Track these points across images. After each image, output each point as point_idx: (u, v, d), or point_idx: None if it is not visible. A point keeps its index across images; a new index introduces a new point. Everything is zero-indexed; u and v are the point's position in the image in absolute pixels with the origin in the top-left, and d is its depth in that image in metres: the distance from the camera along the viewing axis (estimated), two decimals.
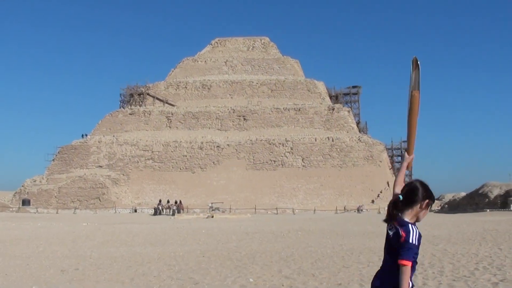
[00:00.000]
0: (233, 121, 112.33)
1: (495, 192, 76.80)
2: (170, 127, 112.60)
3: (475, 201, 79.50)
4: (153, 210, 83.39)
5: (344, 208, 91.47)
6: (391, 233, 6.61)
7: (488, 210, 69.78)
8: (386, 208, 6.85)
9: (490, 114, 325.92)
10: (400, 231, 6.40)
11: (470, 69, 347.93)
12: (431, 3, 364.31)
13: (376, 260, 19.62)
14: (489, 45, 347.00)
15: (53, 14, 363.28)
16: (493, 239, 27.17)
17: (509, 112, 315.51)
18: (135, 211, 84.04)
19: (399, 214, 6.53)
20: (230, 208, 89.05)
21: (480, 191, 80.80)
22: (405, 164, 6.88)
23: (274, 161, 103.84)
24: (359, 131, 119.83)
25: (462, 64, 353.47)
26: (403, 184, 6.69)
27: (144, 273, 17.42)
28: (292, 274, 16.51)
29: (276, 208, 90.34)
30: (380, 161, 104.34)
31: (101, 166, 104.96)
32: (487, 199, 76.80)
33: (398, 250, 6.40)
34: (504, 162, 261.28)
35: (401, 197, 6.52)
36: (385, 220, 6.76)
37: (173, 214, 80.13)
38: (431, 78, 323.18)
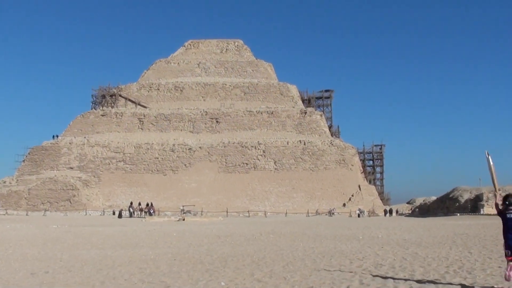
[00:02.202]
0: (205, 123, 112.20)
1: (465, 196, 77.41)
2: (142, 129, 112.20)
3: (445, 205, 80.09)
4: (113, 213, 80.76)
5: (316, 211, 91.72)
6: None
7: (458, 214, 70.32)
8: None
9: (461, 119, 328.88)
10: None
11: (443, 73, 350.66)
12: (403, 8, 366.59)
13: (347, 263, 19.66)
14: (462, 52, 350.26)
15: (25, 15, 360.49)
16: (464, 243, 27.37)
17: (479, 117, 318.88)
18: (116, 213, 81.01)
19: None
20: (202, 211, 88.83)
21: (450, 195, 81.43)
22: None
23: (246, 164, 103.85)
24: (331, 135, 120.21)
25: (437, 69, 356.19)
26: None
27: (115, 276, 17.31)
28: (264, 277, 16.50)
29: (248, 211, 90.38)
30: (352, 165, 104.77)
31: (72, 168, 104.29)
32: (457, 203, 77.39)
33: None
34: (475, 167, 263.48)
35: None
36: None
37: (150, 214, 79.77)
38: (404, 82, 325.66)
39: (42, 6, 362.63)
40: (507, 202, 14.31)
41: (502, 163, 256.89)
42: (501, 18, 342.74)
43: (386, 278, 15.82)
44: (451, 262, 19.49)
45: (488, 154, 15.28)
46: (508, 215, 14.06)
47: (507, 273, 13.70)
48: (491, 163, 15.24)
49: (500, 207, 14.48)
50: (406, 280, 15.44)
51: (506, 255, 13.89)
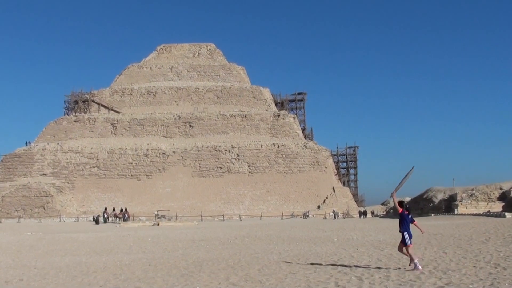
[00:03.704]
0: (178, 127, 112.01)
1: (439, 197, 77.82)
2: (115, 134, 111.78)
3: (419, 206, 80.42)
4: (93, 219, 79.12)
5: (292, 214, 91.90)
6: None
7: (432, 214, 70.64)
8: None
9: (434, 120, 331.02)
10: None
11: (414, 75, 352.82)
12: (375, 10, 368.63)
13: (322, 265, 19.71)
14: (444, 49, 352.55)
15: None
16: (438, 243, 27.53)
17: (453, 117, 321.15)
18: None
19: None
20: (176, 216, 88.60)
21: (424, 196, 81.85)
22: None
23: (220, 168, 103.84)
24: (305, 137, 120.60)
25: (408, 70, 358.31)
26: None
27: (90, 283, 17.22)
28: (240, 281, 16.49)
29: (223, 215, 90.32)
30: (326, 167, 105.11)
31: (45, 174, 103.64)
32: (431, 204, 77.78)
33: None
34: (448, 167, 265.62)
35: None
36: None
37: (124, 220, 79.47)
38: (376, 83, 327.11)
39: (12, 10, 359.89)
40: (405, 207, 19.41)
41: (476, 163, 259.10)
42: (486, 13, 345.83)
43: (361, 279, 15.87)
44: (426, 262, 19.60)
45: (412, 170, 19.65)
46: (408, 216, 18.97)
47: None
48: (408, 176, 19.59)
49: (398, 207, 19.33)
50: (381, 281, 15.50)
51: (407, 244, 18.31)
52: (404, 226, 18.66)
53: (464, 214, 64.39)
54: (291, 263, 20.99)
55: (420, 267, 17.58)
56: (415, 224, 19.08)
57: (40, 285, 16.91)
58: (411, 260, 17.97)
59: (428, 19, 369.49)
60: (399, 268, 18.19)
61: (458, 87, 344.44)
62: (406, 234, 18.42)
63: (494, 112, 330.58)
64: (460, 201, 73.06)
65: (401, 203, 19.29)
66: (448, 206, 74.58)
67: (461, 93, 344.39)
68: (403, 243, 18.35)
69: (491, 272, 16.64)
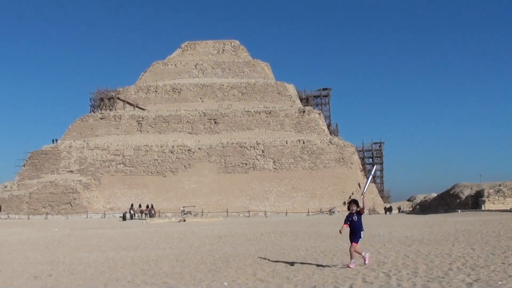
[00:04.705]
0: (204, 124, 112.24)
1: (466, 193, 77.35)
2: (140, 131, 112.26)
3: (446, 202, 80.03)
4: (122, 216, 79.18)
5: (321, 210, 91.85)
6: None
7: (459, 210, 70.27)
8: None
9: (461, 116, 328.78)
10: None
11: (441, 71, 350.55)
12: (401, 5, 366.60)
13: (349, 261, 19.66)
14: (468, 46, 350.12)
15: (23, 20, 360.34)
16: (466, 239, 27.30)
17: (479, 113, 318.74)
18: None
19: None
20: (202, 212, 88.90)
21: (451, 192, 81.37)
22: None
23: (246, 164, 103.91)
24: (330, 133, 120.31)
25: (435, 66, 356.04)
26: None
27: (118, 278, 17.29)
28: (267, 277, 16.47)
29: (248, 211, 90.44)
30: (351, 163, 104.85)
31: (72, 171, 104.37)
32: (458, 200, 77.33)
33: None
34: (475, 163, 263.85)
35: None
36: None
37: (151, 216, 79.91)
38: (402, 79, 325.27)
39: (40, 11, 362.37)
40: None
41: (502, 159, 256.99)
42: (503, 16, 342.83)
43: (389, 275, 15.80)
44: (454, 259, 19.44)
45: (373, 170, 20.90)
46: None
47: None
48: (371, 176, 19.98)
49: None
50: (409, 277, 15.43)
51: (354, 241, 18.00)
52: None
53: (491, 210, 64.01)
54: (318, 259, 20.95)
55: (352, 265, 17.70)
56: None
57: (69, 281, 17.00)
58: (352, 257, 17.99)
59: (461, 17, 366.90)
60: (427, 264, 18.07)
61: (486, 83, 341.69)
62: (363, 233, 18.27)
63: None
64: (487, 197, 72.63)
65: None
66: (475, 202, 74.15)
67: (488, 89, 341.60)
68: (357, 240, 17.99)
69: None
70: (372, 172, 19.88)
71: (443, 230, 34.59)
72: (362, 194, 19.26)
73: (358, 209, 18.02)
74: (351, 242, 17.97)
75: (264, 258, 21.49)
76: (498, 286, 13.76)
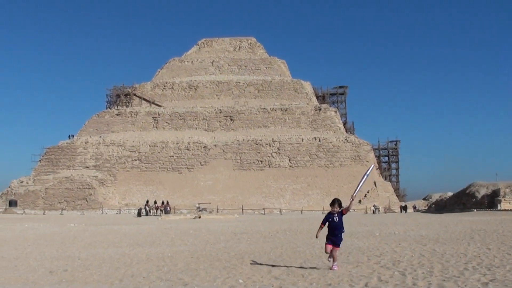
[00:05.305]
0: (220, 121, 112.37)
1: (482, 192, 77.02)
2: (156, 127, 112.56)
3: (462, 201, 79.71)
4: (137, 212, 78.96)
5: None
6: None
7: (475, 210, 69.99)
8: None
9: (477, 114, 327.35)
10: None
11: (457, 70, 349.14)
12: (416, 5, 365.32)
13: (365, 260, 19.62)
14: (485, 46, 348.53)
15: (41, 16, 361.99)
16: (481, 239, 27.19)
17: (495, 112, 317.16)
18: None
19: None
20: (217, 209, 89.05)
21: (467, 191, 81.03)
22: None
23: (261, 162, 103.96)
24: (346, 131, 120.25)
25: (452, 65, 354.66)
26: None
27: (133, 274, 17.33)
28: (282, 274, 16.46)
29: (263, 208, 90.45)
30: (367, 161, 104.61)
31: (88, 167, 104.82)
32: (474, 199, 77.02)
33: None
34: (491, 162, 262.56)
35: None
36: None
37: (166, 212, 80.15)
38: (418, 77, 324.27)
39: (56, 7, 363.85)
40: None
41: None
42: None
43: (404, 274, 15.75)
44: (470, 258, 19.35)
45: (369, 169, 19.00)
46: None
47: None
48: (367, 175, 18.61)
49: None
50: (424, 277, 15.37)
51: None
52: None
53: (508, 210, 63.75)
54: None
55: (336, 268, 17.13)
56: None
57: (84, 276, 17.06)
58: (335, 261, 17.30)
59: (471, 15, 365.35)
60: (442, 264, 18.00)
61: (501, 80, 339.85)
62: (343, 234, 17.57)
63: None
64: (503, 197, 72.31)
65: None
66: (491, 201, 73.85)
67: (503, 86, 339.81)
68: (339, 244, 17.21)
69: None
70: (368, 172, 18.87)
71: (459, 230, 34.46)
72: (352, 195, 17.91)
73: (340, 209, 17.19)
74: (332, 245, 16.90)
75: (279, 256, 21.49)
76: None
